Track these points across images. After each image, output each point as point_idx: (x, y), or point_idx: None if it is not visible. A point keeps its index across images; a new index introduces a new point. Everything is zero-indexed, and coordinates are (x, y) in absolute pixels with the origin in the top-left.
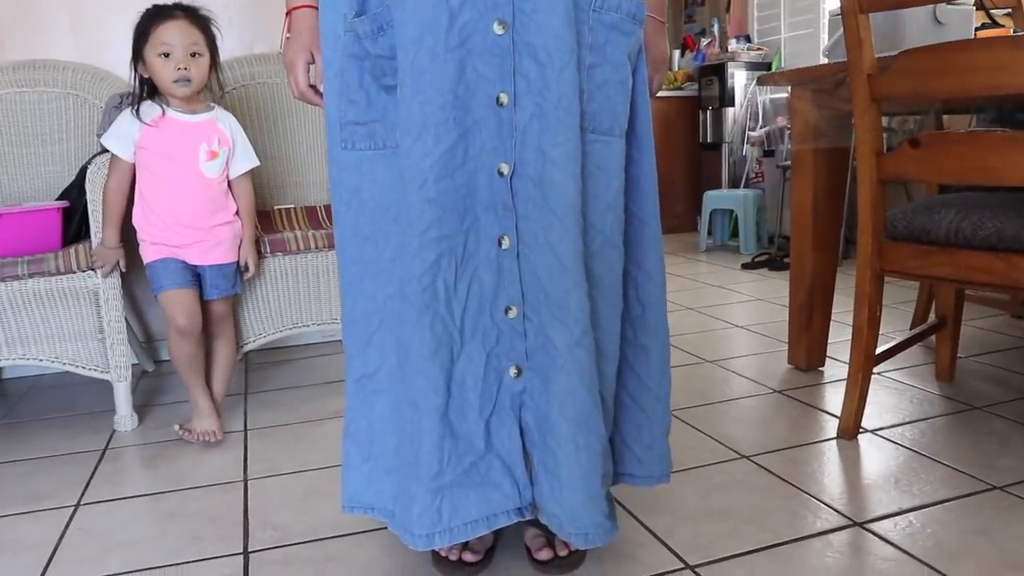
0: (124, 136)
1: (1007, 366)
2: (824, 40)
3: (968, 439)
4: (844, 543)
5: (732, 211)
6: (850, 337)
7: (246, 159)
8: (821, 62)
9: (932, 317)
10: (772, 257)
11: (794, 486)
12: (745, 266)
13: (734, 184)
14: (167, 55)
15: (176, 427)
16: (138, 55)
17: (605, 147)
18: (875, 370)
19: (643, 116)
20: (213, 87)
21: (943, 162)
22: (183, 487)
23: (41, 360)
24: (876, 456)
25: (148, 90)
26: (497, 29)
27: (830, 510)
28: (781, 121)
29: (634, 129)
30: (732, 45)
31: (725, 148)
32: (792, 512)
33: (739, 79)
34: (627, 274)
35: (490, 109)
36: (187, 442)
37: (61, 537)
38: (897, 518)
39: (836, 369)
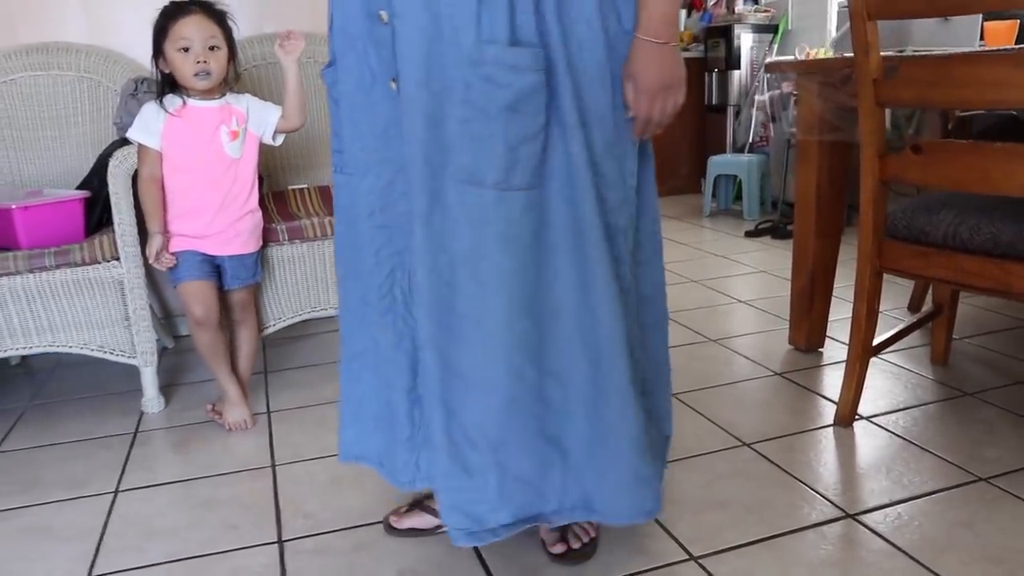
0: (150, 129)
1: (1001, 349)
2: (832, 4)
3: (958, 428)
4: (836, 535)
5: (736, 176)
6: (850, 314)
7: (270, 111)
8: (829, 25)
9: (929, 298)
10: (776, 224)
11: (792, 475)
12: (748, 234)
13: (739, 148)
14: (186, 50)
15: (208, 407)
16: (158, 51)
17: (464, 196)
18: None
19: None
20: (230, 77)
21: (944, 170)
22: (214, 473)
23: (70, 347)
24: (870, 444)
25: (170, 85)
26: (392, 85)
27: (825, 501)
28: (786, 87)
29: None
30: (739, 6)
31: (730, 111)
32: (790, 503)
33: (745, 41)
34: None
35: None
36: (214, 424)
37: (105, 525)
38: (887, 510)
39: (835, 350)
